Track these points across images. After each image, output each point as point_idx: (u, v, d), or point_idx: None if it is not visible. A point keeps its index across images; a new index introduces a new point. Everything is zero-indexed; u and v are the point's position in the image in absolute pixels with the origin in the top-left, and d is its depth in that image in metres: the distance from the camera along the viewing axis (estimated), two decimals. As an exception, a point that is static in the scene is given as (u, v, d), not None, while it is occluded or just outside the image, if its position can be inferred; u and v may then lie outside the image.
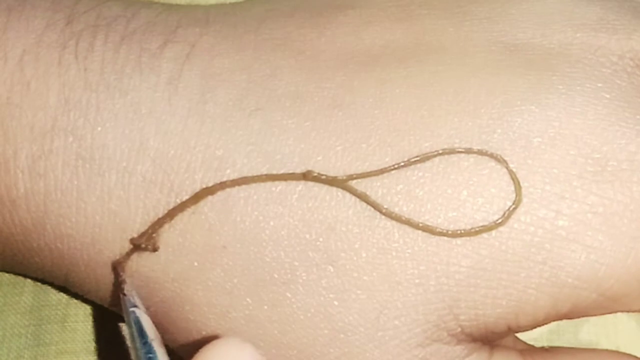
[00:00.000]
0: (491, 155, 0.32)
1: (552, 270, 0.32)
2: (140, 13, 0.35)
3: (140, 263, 0.33)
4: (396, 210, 0.32)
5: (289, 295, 0.33)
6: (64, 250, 0.34)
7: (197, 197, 0.32)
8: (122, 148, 0.33)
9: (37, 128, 0.33)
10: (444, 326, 0.33)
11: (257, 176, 0.32)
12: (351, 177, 0.32)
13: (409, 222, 0.32)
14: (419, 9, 0.35)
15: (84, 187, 0.33)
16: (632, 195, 0.32)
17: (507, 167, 0.32)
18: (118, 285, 0.34)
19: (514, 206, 0.32)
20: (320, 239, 0.32)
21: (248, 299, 0.33)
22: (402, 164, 0.32)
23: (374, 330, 0.33)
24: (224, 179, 0.32)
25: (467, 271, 0.32)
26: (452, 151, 0.32)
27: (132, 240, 0.33)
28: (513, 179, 0.32)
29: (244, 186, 0.32)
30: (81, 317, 0.40)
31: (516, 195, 0.32)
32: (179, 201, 0.33)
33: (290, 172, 0.32)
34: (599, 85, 0.33)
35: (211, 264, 0.33)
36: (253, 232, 0.32)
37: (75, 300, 0.40)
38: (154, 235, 0.33)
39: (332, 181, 0.32)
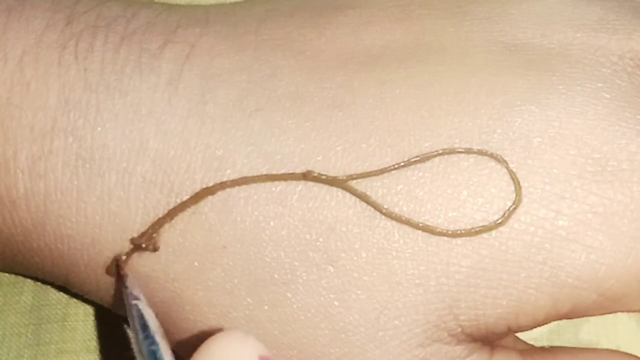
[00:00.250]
0: (491, 156, 0.32)
1: (552, 271, 0.32)
2: (140, 13, 0.35)
3: (141, 263, 0.33)
4: (396, 210, 0.32)
5: (289, 295, 0.33)
6: (64, 250, 0.34)
7: (197, 197, 0.32)
8: (122, 148, 0.33)
9: (37, 128, 0.33)
10: (444, 326, 0.33)
11: (257, 176, 0.32)
12: (351, 177, 0.32)
13: (409, 222, 0.32)
14: (419, 9, 0.35)
15: (84, 187, 0.33)
16: (632, 195, 0.32)
17: (507, 167, 0.32)
18: (120, 279, 0.33)
19: (514, 206, 0.32)
20: (321, 239, 0.32)
21: (248, 299, 0.33)
22: (402, 164, 0.32)
23: (375, 330, 0.33)
24: (224, 179, 0.32)
25: (467, 271, 0.32)
26: (452, 151, 0.32)
27: (132, 241, 0.33)
28: (513, 179, 0.32)
29: (244, 186, 0.32)
30: (81, 316, 0.40)
31: (516, 196, 0.32)
32: (179, 201, 0.33)
33: (291, 172, 0.32)
34: (599, 85, 0.33)
35: (211, 264, 0.33)
36: (253, 232, 0.32)
37: (75, 300, 0.40)
38: (154, 235, 0.33)
39: (332, 181, 0.32)
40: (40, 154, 0.33)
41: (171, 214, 0.33)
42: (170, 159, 0.33)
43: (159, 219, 0.33)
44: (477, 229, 0.32)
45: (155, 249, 0.33)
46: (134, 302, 0.32)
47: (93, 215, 0.33)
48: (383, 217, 0.32)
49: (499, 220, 0.32)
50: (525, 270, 0.32)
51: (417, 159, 0.32)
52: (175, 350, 0.34)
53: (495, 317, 0.33)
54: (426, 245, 0.32)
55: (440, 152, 0.32)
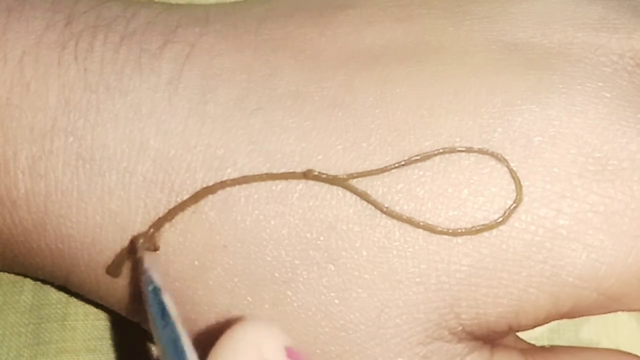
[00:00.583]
0: (492, 154, 0.32)
1: (553, 269, 0.32)
2: (139, 13, 0.35)
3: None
4: (397, 209, 0.32)
5: (289, 294, 0.33)
6: (65, 250, 0.34)
7: (198, 197, 0.32)
8: (122, 148, 0.33)
9: (37, 129, 0.33)
10: (445, 325, 0.33)
11: (257, 175, 0.32)
12: (352, 176, 0.32)
13: (409, 221, 0.32)
14: (419, 8, 0.35)
15: (85, 187, 0.33)
16: (633, 194, 0.32)
17: (507, 166, 0.32)
18: (136, 263, 0.33)
19: (514, 205, 0.32)
20: (321, 238, 0.32)
21: (249, 298, 0.33)
22: (403, 162, 0.32)
23: (375, 328, 0.33)
24: (225, 179, 0.32)
25: (468, 270, 0.32)
26: (452, 150, 0.32)
27: (132, 240, 0.33)
28: (514, 178, 0.32)
29: (244, 185, 0.32)
30: (81, 315, 0.40)
31: (517, 194, 0.32)
32: (179, 201, 0.33)
33: (291, 171, 0.32)
34: (600, 84, 0.33)
35: (212, 263, 0.33)
36: (254, 231, 0.32)
37: (75, 299, 0.40)
38: (154, 234, 0.33)
39: (332, 180, 0.32)
40: (40, 154, 0.33)
41: (172, 214, 0.33)
42: (171, 159, 0.33)
43: (160, 219, 0.33)
44: (478, 228, 0.32)
45: (155, 249, 0.33)
46: (151, 287, 0.31)
47: (94, 215, 0.33)
48: (384, 215, 0.32)
49: (500, 219, 0.32)
50: (526, 269, 0.32)
51: (418, 157, 0.32)
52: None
53: (496, 315, 0.33)
54: (427, 244, 0.32)
55: (441, 151, 0.32)
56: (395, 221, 0.32)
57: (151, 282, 0.31)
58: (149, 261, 0.32)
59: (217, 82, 0.33)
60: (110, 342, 0.40)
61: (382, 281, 0.32)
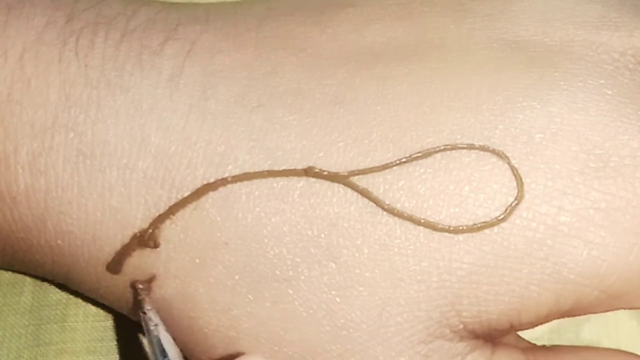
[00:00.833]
0: (493, 151, 0.32)
1: (554, 267, 0.32)
2: (140, 11, 0.35)
3: (142, 260, 0.33)
4: (398, 206, 0.32)
5: (290, 291, 0.33)
6: (65, 247, 0.34)
7: (199, 193, 0.32)
8: (123, 144, 0.33)
9: (37, 125, 0.33)
10: (446, 323, 0.33)
11: (258, 172, 0.32)
12: (353, 173, 0.32)
13: (411, 219, 0.32)
14: (420, 6, 0.35)
15: (85, 183, 0.33)
16: (635, 191, 0.32)
17: (509, 163, 0.32)
18: (138, 304, 0.33)
19: (516, 202, 0.32)
20: (322, 235, 0.32)
21: (250, 296, 0.33)
22: (404, 160, 0.32)
23: (377, 326, 0.33)
24: (226, 175, 0.32)
25: (469, 267, 0.32)
26: (454, 147, 0.32)
27: (133, 237, 0.33)
28: (515, 175, 0.32)
29: (245, 182, 0.32)
30: (81, 316, 0.40)
31: (518, 191, 0.32)
32: (180, 197, 0.33)
33: (292, 168, 0.32)
34: (601, 81, 0.33)
35: (212, 261, 0.33)
36: (255, 229, 0.32)
37: (75, 300, 0.40)
38: (155, 231, 0.33)
39: (333, 177, 0.32)
40: (40, 150, 0.33)
41: (172, 210, 0.32)
42: (172, 155, 0.33)
43: (160, 215, 0.33)
44: (479, 225, 0.32)
45: (156, 246, 0.33)
46: (152, 327, 0.32)
47: (94, 212, 0.33)
48: (385, 213, 0.32)
49: (501, 216, 0.32)
50: (528, 266, 0.32)
51: (419, 154, 0.32)
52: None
53: (498, 313, 0.33)
54: (428, 242, 0.32)
55: (442, 148, 0.32)
56: (396, 219, 0.32)
57: (153, 322, 0.32)
58: (150, 302, 0.33)
59: (218, 79, 0.33)
60: (110, 343, 0.40)
61: (383, 279, 0.32)
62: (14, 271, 0.39)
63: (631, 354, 0.36)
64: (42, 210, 0.33)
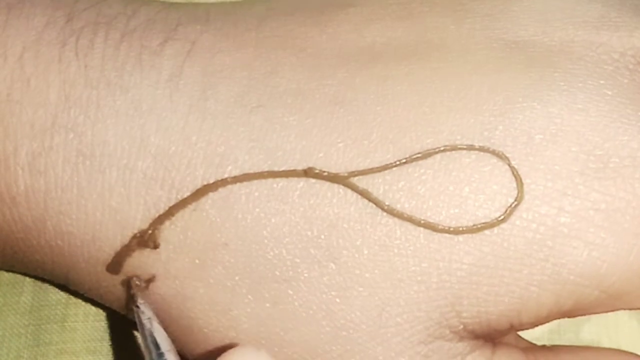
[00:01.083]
0: (493, 152, 0.32)
1: (554, 268, 0.32)
2: (140, 11, 0.35)
3: (142, 260, 0.33)
4: (398, 207, 0.32)
5: (290, 292, 0.33)
6: (65, 247, 0.34)
7: (198, 194, 0.32)
8: (122, 145, 0.33)
9: (37, 125, 0.33)
10: (446, 323, 0.33)
11: (258, 173, 0.32)
12: (353, 174, 0.32)
13: (410, 219, 0.32)
14: (420, 6, 0.35)
15: (85, 184, 0.33)
16: (635, 191, 0.32)
17: (509, 164, 0.32)
18: (130, 298, 0.34)
19: (515, 203, 0.32)
20: (322, 236, 0.32)
21: (249, 297, 0.33)
22: (404, 160, 0.32)
23: (376, 327, 0.33)
24: (225, 176, 0.32)
25: (469, 268, 0.32)
26: (454, 148, 0.32)
27: (133, 238, 0.33)
28: (515, 176, 0.32)
29: (245, 183, 0.32)
30: (81, 316, 0.40)
31: (518, 192, 0.32)
32: (180, 198, 0.32)
33: (292, 168, 0.32)
34: (601, 82, 0.33)
35: (212, 261, 0.33)
36: (254, 229, 0.32)
37: (75, 300, 0.40)
38: (155, 232, 0.33)
39: (333, 178, 0.32)
40: (40, 150, 0.33)
41: (172, 211, 0.32)
42: (171, 155, 0.33)
43: (160, 216, 0.33)
44: (479, 226, 0.32)
45: (156, 246, 0.33)
46: (145, 321, 0.32)
47: (94, 212, 0.33)
48: (385, 214, 0.32)
49: (501, 217, 0.32)
50: (527, 267, 0.32)
51: (419, 155, 0.32)
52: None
53: (498, 314, 0.33)
54: (428, 242, 0.32)
55: (442, 148, 0.32)
56: (396, 219, 0.32)
57: (146, 315, 0.32)
58: (143, 296, 0.33)
59: (217, 79, 0.33)
60: (110, 343, 0.40)
61: (383, 280, 0.32)
62: (13, 272, 0.39)
63: (631, 354, 0.36)
64: (42, 210, 0.33)
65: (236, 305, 0.33)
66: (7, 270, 0.39)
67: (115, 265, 0.33)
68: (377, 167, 0.32)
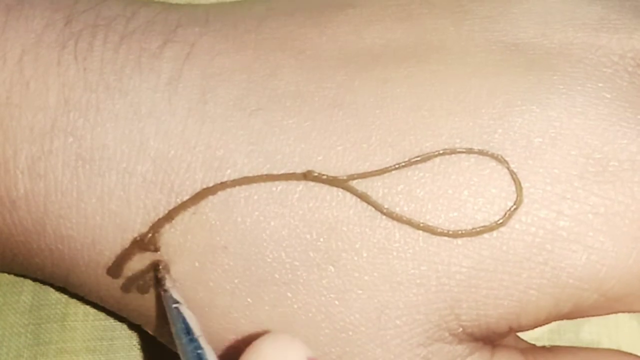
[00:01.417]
0: (492, 156, 0.32)
1: (554, 271, 0.32)
2: (139, 12, 0.35)
3: (142, 263, 0.33)
4: (397, 210, 0.32)
5: (289, 295, 0.33)
6: (65, 251, 0.34)
7: (198, 197, 0.32)
8: (122, 148, 0.33)
9: (36, 129, 0.33)
10: (445, 326, 0.33)
11: (257, 176, 0.32)
12: (352, 177, 0.32)
13: (409, 222, 0.32)
14: (419, 8, 0.35)
15: (84, 187, 0.33)
16: (634, 195, 0.32)
17: (508, 168, 0.32)
18: (158, 282, 0.33)
19: (515, 206, 0.32)
20: (321, 239, 0.32)
21: (249, 299, 0.33)
22: (403, 164, 0.32)
23: (376, 329, 0.33)
24: (225, 179, 0.32)
25: (468, 271, 0.32)
26: (453, 151, 0.32)
27: (133, 241, 0.33)
28: (514, 180, 0.32)
29: (244, 186, 0.32)
30: (81, 316, 0.40)
31: (517, 196, 0.32)
32: (179, 201, 0.32)
33: (291, 172, 0.32)
34: (600, 85, 0.33)
35: (212, 264, 0.33)
36: (254, 232, 0.32)
37: (75, 299, 0.40)
38: (154, 235, 0.33)
39: (332, 181, 0.32)
40: (40, 154, 0.33)
41: (172, 214, 0.32)
42: (171, 159, 0.32)
43: (160, 219, 0.33)
44: (478, 230, 0.32)
45: (156, 250, 0.33)
46: (174, 305, 0.32)
47: (93, 216, 0.33)
48: (384, 217, 0.32)
49: (500, 221, 0.32)
50: (527, 270, 0.32)
51: (418, 158, 0.32)
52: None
53: (497, 317, 0.33)
54: (427, 246, 0.32)
55: (441, 152, 0.32)
56: (395, 222, 0.32)
57: (175, 300, 0.32)
58: (170, 280, 0.33)
59: (217, 82, 0.33)
60: (110, 342, 0.40)
61: (382, 282, 0.32)
62: (14, 274, 0.39)
63: (631, 354, 0.36)
64: (42, 214, 0.33)
65: (236, 308, 0.33)
66: (7, 273, 0.39)
67: (115, 268, 0.33)
68: (376, 170, 0.32)
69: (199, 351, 0.30)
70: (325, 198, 0.32)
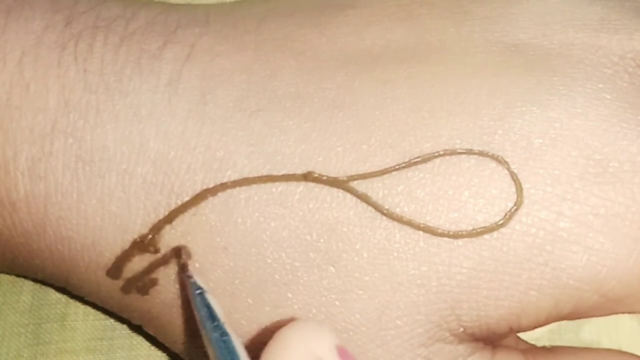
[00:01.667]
0: (492, 157, 0.32)
1: (554, 272, 0.32)
2: (139, 13, 0.35)
3: (142, 265, 0.33)
4: (397, 211, 0.32)
5: (290, 295, 0.33)
6: (65, 252, 0.34)
7: (198, 199, 0.32)
8: (122, 150, 0.33)
9: (36, 130, 0.33)
10: (446, 326, 0.33)
11: (257, 177, 0.32)
12: (352, 178, 0.32)
13: (410, 223, 0.32)
14: (419, 8, 0.35)
15: (84, 189, 0.33)
16: (634, 196, 0.32)
17: (508, 169, 0.32)
18: (180, 268, 0.33)
19: (515, 207, 0.32)
20: (322, 240, 0.32)
21: (249, 300, 0.33)
22: (403, 164, 0.32)
23: (376, 329, 0.33)
24: (225, 180, 0.32)
25: (469, 272, 0.32)
26: (453, 152, 0.32)
27: (133, 242, 0.33)
28: (514, 180, 0.32)
29: (244, 187, 0.32)
30: (81, 315, 0.40)
31: (517, 197, 0.32)
32: (179, 202, 0.32)
33: (291, 173, 0.32)
34: (600, 86, 0.33)
35: (212, 265, 0.33)
36: (254, 233, 0.32)
37: (75, 299, 0.40)
38: (155, 236, 0.33)
39: (332, 182, 0.32)
40: (40, 155, 0.33)
41: (172, 215, 0.32)
42: (171, 160, 0.32)
43: (160, 221, 0.33)
44: (479, 230, 0.32)
45: (156, 251, 0.33)
46: (198, 291, 0.32)
47: (93, 217, 0.33)
48: (384, 217, 0.32)
49: (501, 222, 0.32)
50: (527, 271, 0.32)
51: (418, 159, 0.32)
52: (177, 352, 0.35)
53: (497, 317, 0.33)
54: (427, 246, 0.32)
55: (442, 153, 0.32)
56: (395, 223, 0.32)
57: (198, 286, 0.32)
58: (193, 266, 0.33)
59: (216, 83, 0.33)
60: (110, 342, 0.40)
61: (383, 283, 0.32)
62: (14, 275, 0.40)
63: (631, 354, 0.36)
64: (42, 215, 0.33)
65: (236, 309, 0.33)
66: (8, 274, 0.39)
67: (115, 269, 0.33)
68: (376, 171, 0.32)
69: (225, 338, 0.30)
70: (325, 199, 0.32)
